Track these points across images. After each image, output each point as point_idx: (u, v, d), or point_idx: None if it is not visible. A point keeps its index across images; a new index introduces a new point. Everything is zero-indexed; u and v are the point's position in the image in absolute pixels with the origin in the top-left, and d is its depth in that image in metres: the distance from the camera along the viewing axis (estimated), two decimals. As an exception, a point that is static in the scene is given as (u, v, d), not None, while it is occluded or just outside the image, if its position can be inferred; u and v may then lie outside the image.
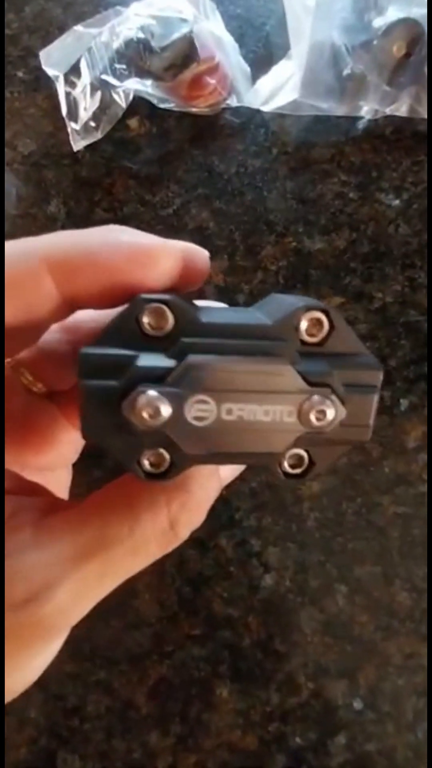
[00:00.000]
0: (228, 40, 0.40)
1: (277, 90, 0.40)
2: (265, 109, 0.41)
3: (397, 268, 0.37)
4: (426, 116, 0.39)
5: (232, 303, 0.37)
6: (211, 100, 0.40)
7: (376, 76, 0.39)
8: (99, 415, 0.13)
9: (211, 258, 0.39)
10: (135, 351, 0.13)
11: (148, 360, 0.13)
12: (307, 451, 0.14)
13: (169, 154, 0.41)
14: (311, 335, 0.14)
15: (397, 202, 0.38)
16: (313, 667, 0.32)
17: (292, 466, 0.14)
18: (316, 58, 0.40)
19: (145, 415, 0.12)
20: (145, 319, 0.13)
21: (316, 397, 0.13)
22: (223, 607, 0.33)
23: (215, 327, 0.13)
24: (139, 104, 0.41)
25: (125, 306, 0.13)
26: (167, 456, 0.13)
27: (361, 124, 0.40)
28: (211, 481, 0.14)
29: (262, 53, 0.42)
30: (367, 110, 0.40)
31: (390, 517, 0.34)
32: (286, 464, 0.14)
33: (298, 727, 0.31)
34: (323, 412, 0.13)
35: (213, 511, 0.15)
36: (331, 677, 0.32)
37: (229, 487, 0.18)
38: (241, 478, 0.31)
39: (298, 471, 0.14)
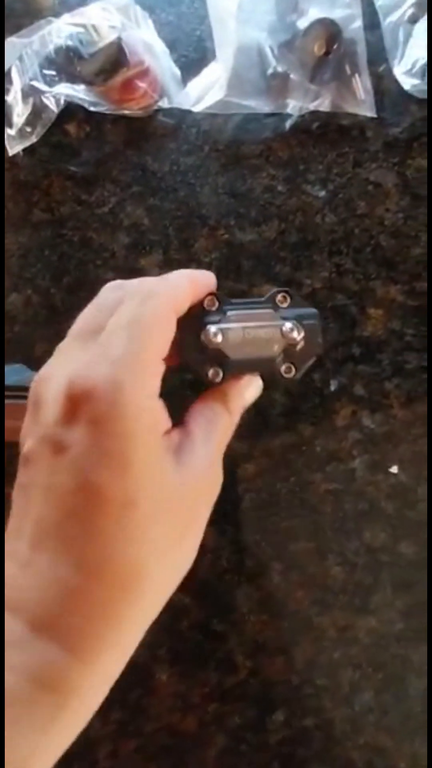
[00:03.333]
0: (159, 45, 0.42)
1: (206, 91, 0.42)
2: (196, 109, 0.42)
3: (324, 256, 0.38)
4: (348, 110, 0.41)
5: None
6: (143, 102, 0.42)
7: (299, 74, 0.41)
8: (189, 344, 0.25)
9: (146, 252, 0.40)
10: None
11: (210, 317, 0.26)
12: (292, 363, 0.26)
13: (105, 155, 0.42)
14: (282, 302, 0.27)
15: (323, 193, 0.40)
16: (251, 645, 0.32)
17: (286, 372, 0.26)
18: (242, 59, 0.42)
19: (211, 338, 0.25)
20: (207, 301, 0.26)
21: (288, 324, 0.25)
22: (162, 590, 0.33)
23: (239, 302, 0.27)
24: (74, 109, 0.42)
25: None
26: (221, 372, 0.25)
27: (288, 121, 0.41)
28: (245, 393, 0.26)
29: (194, 57, 0.44)
30: (293, 107, 0.41)
31: (322, 494, 0.34)
32: (282, 370, 0.26)
33: (237, 706, 0.31)
34: (292, 330, 0.25)
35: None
36: (268, 654, 0.32)
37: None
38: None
39: (289, 375, 0.26)
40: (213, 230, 0.40)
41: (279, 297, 0.28)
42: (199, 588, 0.33)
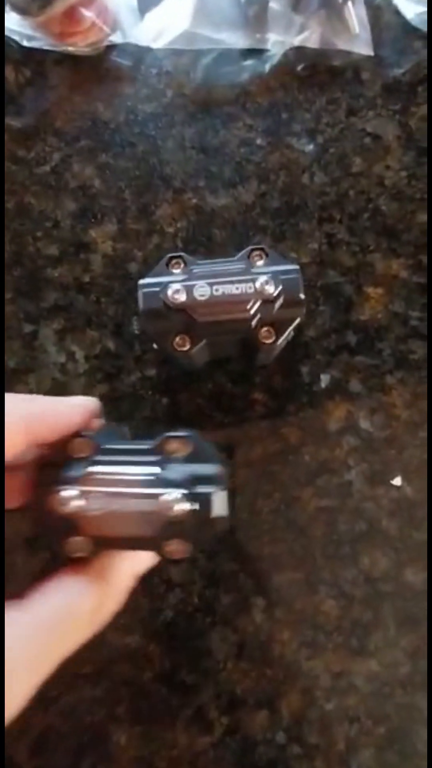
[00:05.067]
0: (109, -35, 0.34)
1: (169, 23, 0.34)
2: (156, 45, 0.35)
3: (313, 224, 0.32)
4: (340, 46, 0.34)
5: (124, 273, 0.32)
6: (92, 37, 0.34)
7: (280, 1, 0.34)
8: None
9: (98, 222, 0.33)
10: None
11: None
12: (272, 324, 0.25)
13: (46, 102, 0.34)
14: (257, 259, 0.26)
15: (311, 147, 0.33)
16: (227, 698, 0.27)
17: (265, 338, 0.25)
18: (212, -18, 0.34)
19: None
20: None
21: (262, 277, 0.24)
22: (119, 636, 0.27)
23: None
24: (9, 47, 0.35)
25: None
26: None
27: (267, 60, 0.34)
28: (127, 573, 0.20)
29: (154, -17, 0.36)
30: (273, 42, 0.34)
31: (312, 512, 0.28)
32: (261, 335, 0.25)
33: (212, 770, 0.26)
34: (267, 283, 0.24)
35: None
36: (248, 708, 0.27)
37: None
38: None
39: (269, 341, 0.25)
40: (179, 193, 0.33)
41: (254, 254, 0.26)
42: (165, 631, 0.27)
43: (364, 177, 0.32)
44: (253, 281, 0.24)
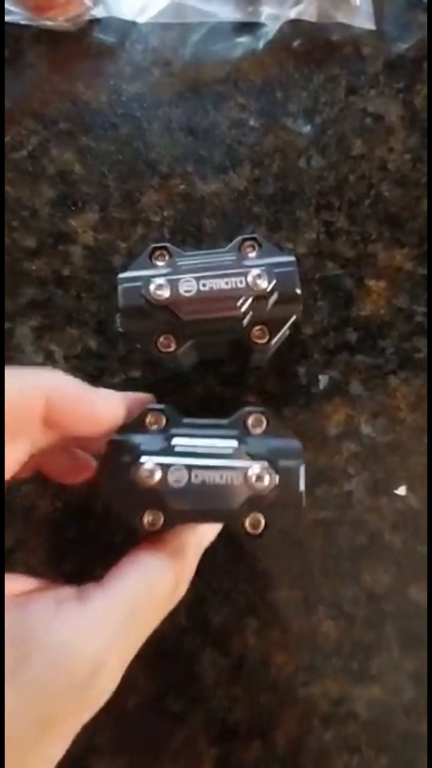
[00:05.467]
0: None
1: (155, -6, 0.32)
2: (142, 19, 0.32)
3: (310, 211, 0.30)
4: (340, 20, 0.31)
5: (106, 266, 0.29)
6: (72, 11, 0.32)
7: (275, -30, 0.31)
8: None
9: (79, 210, 0.31)
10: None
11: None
12: (264, 322, 0.22)
13: (23, 82, 0.32)
14: (249, 251, 0.24)
15: (308, 128, 0.31)
16: (218, 727, 0.25)
17: (257, 337, 0.23)
18: None
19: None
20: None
21: (255, 271, 0.22)
22: (100, 658, 0.25)
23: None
24: (-19, 20, 0.32)
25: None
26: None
27: (261, 35, 0.32)
28: (195, 548, 0.20)
29: None
30: (268, 15, 0.32)
31: (309, 525, 0.26)
32: (254, 335, 0.23)
33: (201, 805, 0.24)
34: (259, 278, 0.22)
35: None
36: (241, 738, 0.25)
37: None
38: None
39: (262, 341, 0.23)
40: (165, 179, 0.30)
41: (246, 245, 0.23)
42: (151, 655, 0.25)
43: (365, 160, 0.30)
44: (245, 275, 0.22)
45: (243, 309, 0.22)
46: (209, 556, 0.27)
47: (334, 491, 0.27)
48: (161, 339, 0.23)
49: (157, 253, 0.24)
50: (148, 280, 0.22)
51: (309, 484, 0.27)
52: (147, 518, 0.18)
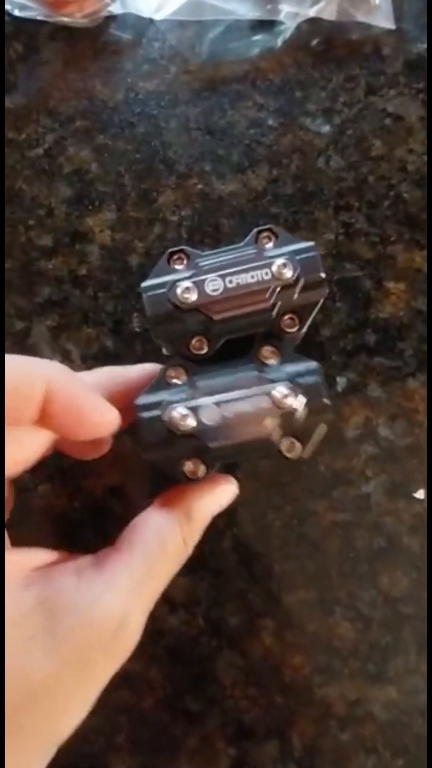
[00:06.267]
0: None
1: (173, -9, 0.32)
2: (159, 16, 0.32)
3: (329, 212, 0.29)
4: (360, 18, 0.31)
5: (123, 266, 0.29)
6: (89, 7, 0.32)
7: (294, -32, 0.31)
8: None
9: (96, 209, 0.31)
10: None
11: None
12: (293, 311, 0.23)
13: (39, 79, 0.32)
14: (266, 241, 0.24)
15: (327, 128, 0.30)
16: (235, 727, 0.25)
17: (288, 326, 0.23)
18: None
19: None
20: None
21: (280, 260, 0.22)
22: (118, 658, 0.25)
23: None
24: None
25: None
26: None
27: (280, 33, 0.32)
28: (205, 512, 0.21)
29: None
30: (286, 14, 0.31)
31: (327, 527, 0.26)
32: (284, 324, 0.23)
33: (218, 805, 0.24)
34: (285, 267, 0.22)
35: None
36: (257, 739, 0.25)
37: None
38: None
39: (293, 330, 0.23)
40: (183, 179, 0.30)
41: (263, 237, 0.24)
42: (167, 655, 0.25)
43: (384, 161, 0.30)
44: (269, 266, 0.22)
45: (272, 300, 0.22)
46: (225, 558, 0.27)
47: (351, 493, 0.27)
48: (193, 342, 0.23)
49: (175, 257, 0.24)
50: (173, 284, 0.22)
51: (326, 487, 0.27)
52: (187, 467, 0.20)
